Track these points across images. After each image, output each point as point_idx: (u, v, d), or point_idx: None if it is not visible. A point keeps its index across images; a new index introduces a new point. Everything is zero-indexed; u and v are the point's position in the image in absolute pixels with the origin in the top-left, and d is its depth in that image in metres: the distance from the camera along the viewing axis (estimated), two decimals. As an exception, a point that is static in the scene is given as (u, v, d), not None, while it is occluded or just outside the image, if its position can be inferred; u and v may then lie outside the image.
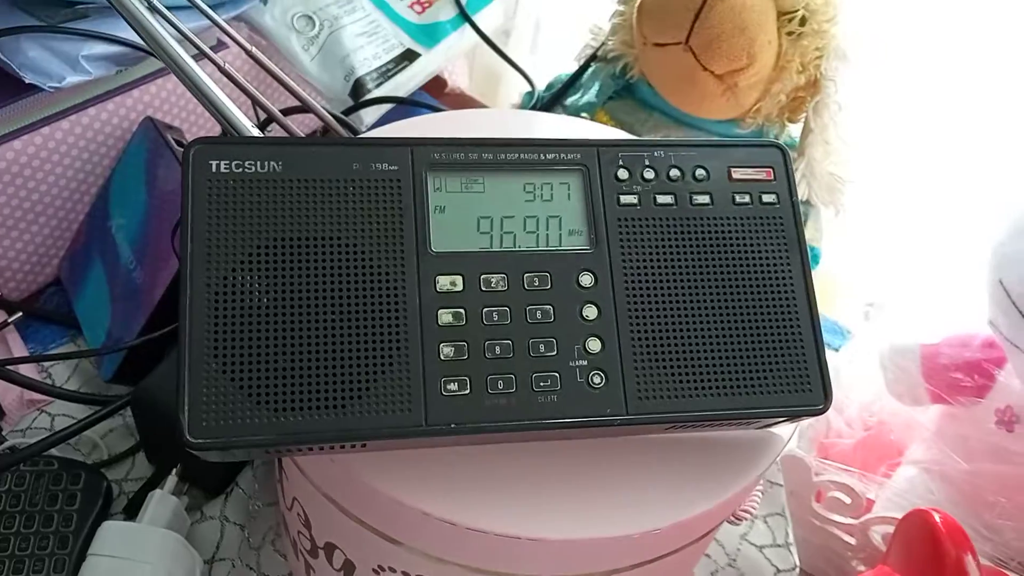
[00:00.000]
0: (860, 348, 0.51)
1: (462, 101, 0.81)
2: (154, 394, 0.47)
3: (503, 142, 0.34)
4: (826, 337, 0.63)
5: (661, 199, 0.34)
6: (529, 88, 0.67)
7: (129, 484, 0.51)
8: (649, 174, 0.34)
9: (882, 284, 0.61)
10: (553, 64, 0.75)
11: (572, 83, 0.62)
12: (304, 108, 0.51)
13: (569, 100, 0.61)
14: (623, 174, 0.34)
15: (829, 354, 0.56)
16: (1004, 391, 0.43)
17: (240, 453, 0.30)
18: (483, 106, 0.81)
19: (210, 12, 0.50)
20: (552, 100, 0.62)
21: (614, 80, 0.58)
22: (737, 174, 0.35)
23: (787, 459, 0.45)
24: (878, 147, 0.60)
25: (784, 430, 0.36)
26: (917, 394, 0.45)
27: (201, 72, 0.36)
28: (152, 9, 0.42)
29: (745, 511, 0.37)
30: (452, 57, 0.72)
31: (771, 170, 0.35)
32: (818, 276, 0.67)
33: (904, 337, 0.46)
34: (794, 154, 0.54)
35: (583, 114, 0.59)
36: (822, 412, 0.32)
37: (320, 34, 0.65)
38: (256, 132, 0.37)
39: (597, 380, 0.31)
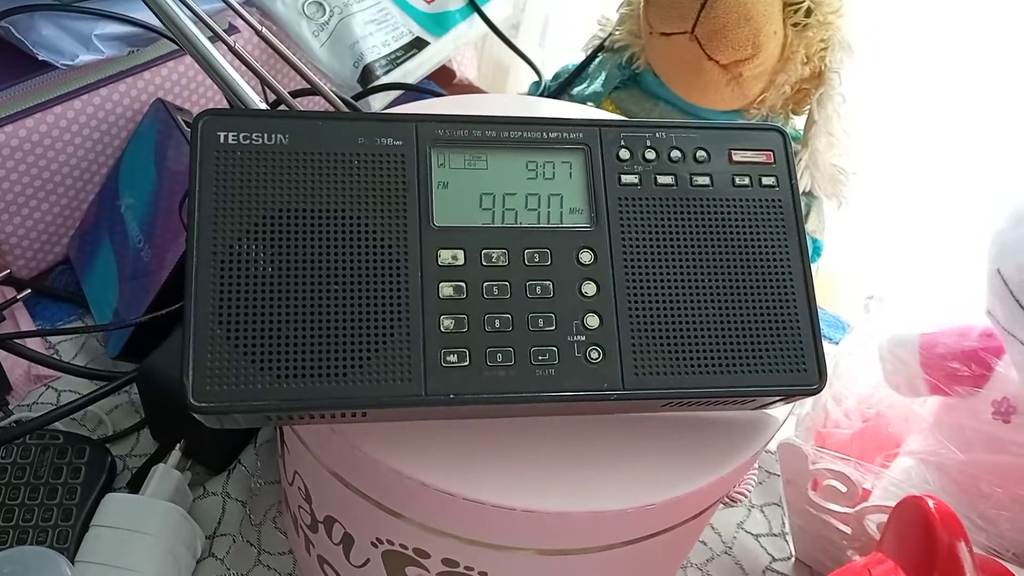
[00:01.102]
0: (859, 340, 0.51)
1: (470, 92, 0.81)
2: (159, 371, 0.47)
3: (506, 120, 0.34)
4: (827, 331, 0.64)
5: (662, 179, 0.34)
6: (536, 78, 0.67)
7: (133, 460, 0.51)
8: (650, 155, 0.35)
9: (883, 276, 0.61)
10: (561, 57, 0.76)
11: (579, 73, 0.62)
12: (313, 91, 0.51)
13: (576, 90, 0.61)
14: (624, 154, 0.35)
15: (829, 347, 0.56)
16: (1002, 381, 0.43)
17: (242, 419, 0.31)
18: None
19: (223, -7, 0.51)
20: (559, 89, 0.62)
21: (620, 70, 0.59)
22: (737, 156, 0.35)
23: (784, 447, 0.45)
24: (881, 139, 0.60)
25: (779, 412, 0.36)
26: (915, 385, 0.45)
27: (213, 49, 0.37)
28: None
29: (740, 493, 0.37)
30: (460, 47, 0.72)
31: (771, 153, 0.35)
32: (821, 271, 0.68)
33: (903, 328, 0.47)
34: (798, 145, 0.54)
35: (589, 104, 0.59)
36: (817, 392, 0.33)
37: (330, 21, 0.66)
38: (264, 107, 0.37)
39: (595, 355, 0.32)
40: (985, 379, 0.44)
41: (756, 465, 0.40)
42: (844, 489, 0.44)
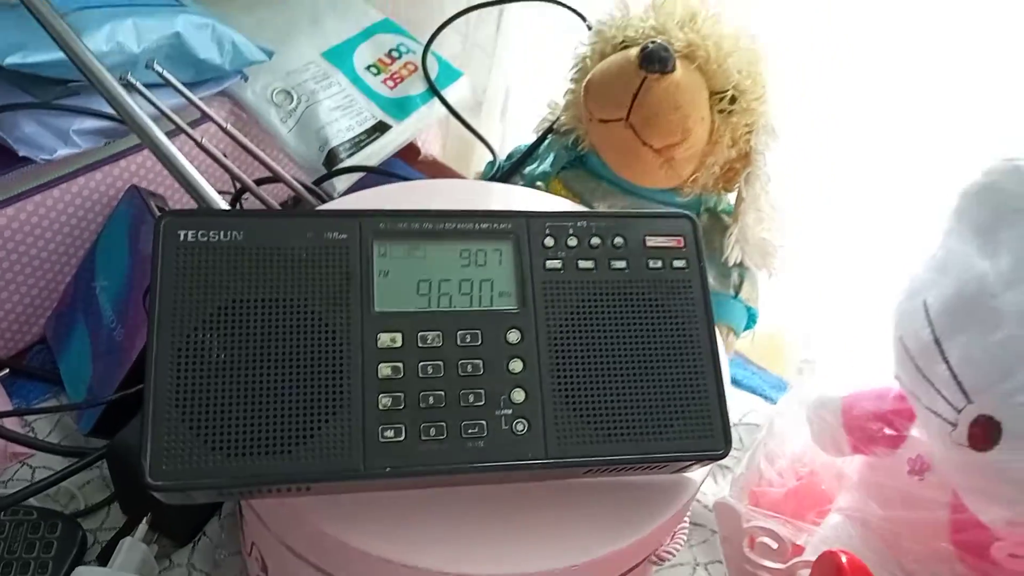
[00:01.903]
0: (793, 402, 0.54)
1: (435, 167, 0.86)
2: (127, 447, 0.50)
3: (442, 213, 0.38)
4: (769, 392, 0.67)
5: (583, 264, 0.38)
6: (492, 157, 0.72)
7: (104, 533, 0.53)
8: (572, 242, 0.38)
9: (819, 340, 0.65)
10: (522, 133, 0.80)
11: (530, 153, 0.66)
12: (276, 178, 0.55)
13: (527, 169, 0.66)
14: (549, 242, 0.38)
15: (767, 407, 0.60)
16: (916, 441, 0.46)
17: (197, 495, 0.33)
18: (455, 172, 0.86)
19: (187, 92, 0.55)
20: (512, 169, 0.66)
21: (567, 151, 0.63)
22: (651, 242, 0.39)
23: (719, 506, 0.48)
24: (812, 210, 0.65)
25: (697, 475, 0.39)
26: (839, 444, 0.49)
27: (174, 149, 0.41)
28: (129, 87, 0.47)
29: (668, 552, 0.40)
30: (423, 128, 0.77)
31: (682, 239, 0.39)
32: (767, 334, 0.72)
33: (828, 390, 0.50)
34: (730, 220, 0.58)
35: (539, 183, 0.63)
36: (722, 456, 0.36)
37: (297, 108, 0.70)
38: (224, 204, 0.41)
39: (520, 427, 0.35)
40: (901, 439, 0.47)
41: (687, 524, 0.43)
42: (775, 546, 0.47)
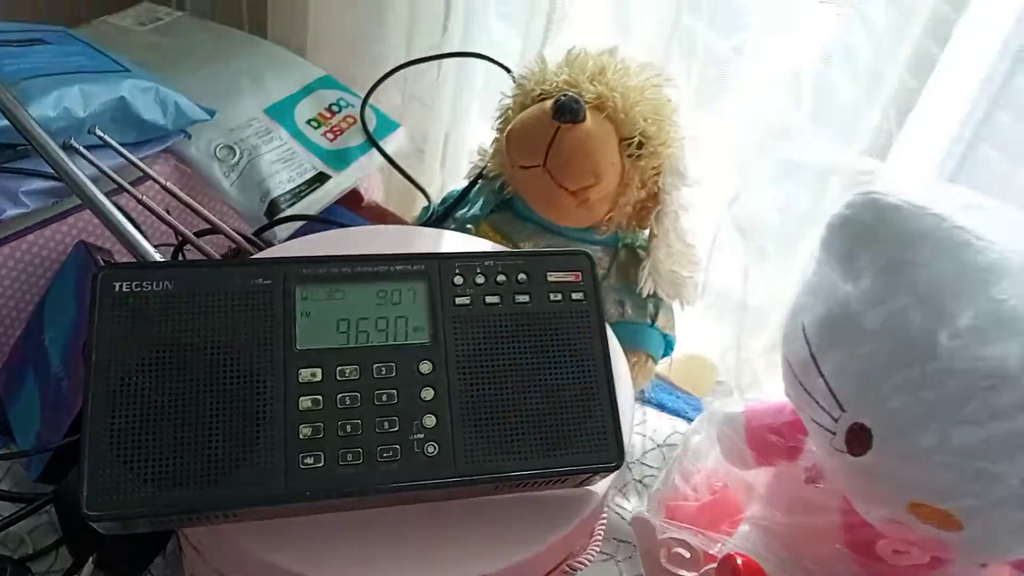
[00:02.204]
0: (706, 421, 0.58)
1: (378, 212, 0.90)
2: (72, 490, 0.52)
3: (360, 257, 0.42)
4: (692, 414, 0.71)
5: (489, 299, 0.42)
6: (427, 203, 0.76)
7: (52, 576, 0.55)
8: (480, 280, 0.42)
9: (730, 363, 0.69)
10: (460, 177, 0.85)
11: (462, 198, 0.70)
12: (215, 231, 0.58)
13: (459, 213, 0.70)
14: (459, 280, 0.42)
15: (683, 425, 0.63)
16: (811, 451, 0.50)
17: (132, 524, 0.36)
18: (397, 216, 0.90)
19: (127, 154, 0.58)
20: (445, 213, 0.70)
21: (495, 195, 0.67)
22: (552, 277, 0.43)
23: (636, 520, 0.51)
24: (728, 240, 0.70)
25: (599, 487, 0.42)
26: (744, 458, 0.53)
27: (111, 206, 0.44)
28: (70, 150, 0.50)
29: (580, 563, 0.43)
30: (362, 176, 0.81)
31: (580, 273, 0.43)
32: (693, 359, 0.76)
33: (733, 408, 0.54)
34: (644, 253, 0.63)
35: (469, 226, 0.67)
36: (617, 467, 0.39)
37: (240, 162, 0.74)
38: (159, 257, 0.44)
39: (431, 450, 0.38)
40: (798, 451, 0.51)
41: (600, 536, 0.46)
42: (688, 555, 0.50)
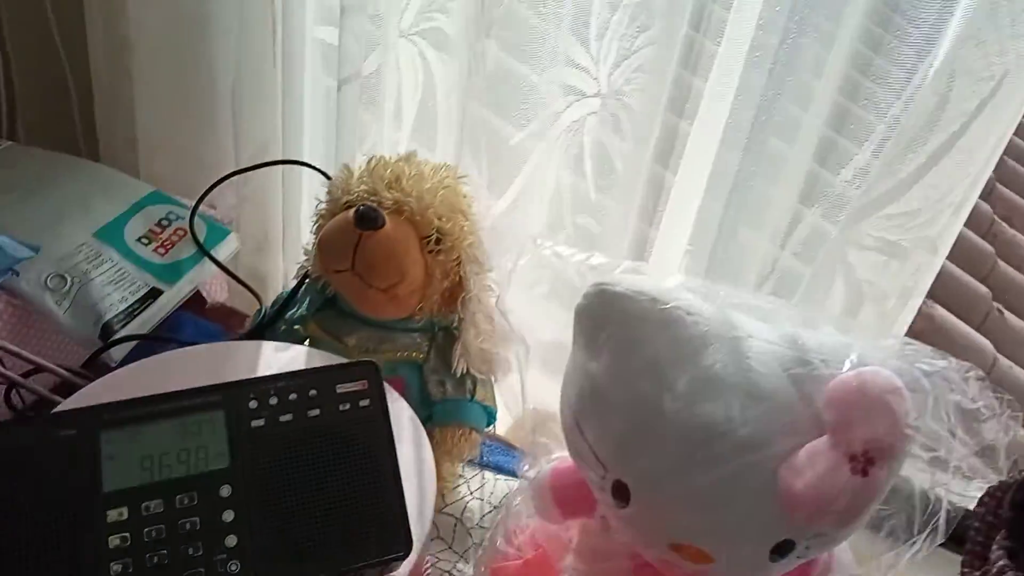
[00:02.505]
0: (527, 481, 0.64)
1: (223, 312, 0.93)
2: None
3: (159, 397, 0.46)
4: (526, 473, 0.76)
5: (283, 418, 0.47)
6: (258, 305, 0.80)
7: None
8: (273, 401, 0.47)
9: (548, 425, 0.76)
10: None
11: (291, 298, 0.75)
12: (42, 369, 0.61)
13: (289, 313, 0.74)
14: (254, 404, 0.47)
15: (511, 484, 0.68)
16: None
17: None
18: (241, 313, 0.94)
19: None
20: (275, 314, 0.75)
21: (319, 295, 0.72)
22: (341, 388, 0.48)
23: (461, 587, 0.57)
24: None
25: (401, 572, 0.48)
26: (553, 514, 0.59)
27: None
28: None
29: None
30: (198, 284, 0.84)
31: (366, 381, 0.49)
32: (538, 415, 0.82)
33: (542, 467, 0.60)
34: (459, 333, 0.69)
35: (296, 326, 0.72)
36: (405, 556, 0.45)
37: (71, 289, 0.76)
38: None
39: (234, 567, 0.42)
40: (594, 504, 0.57)
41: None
42: (511, 612, 0.56)
